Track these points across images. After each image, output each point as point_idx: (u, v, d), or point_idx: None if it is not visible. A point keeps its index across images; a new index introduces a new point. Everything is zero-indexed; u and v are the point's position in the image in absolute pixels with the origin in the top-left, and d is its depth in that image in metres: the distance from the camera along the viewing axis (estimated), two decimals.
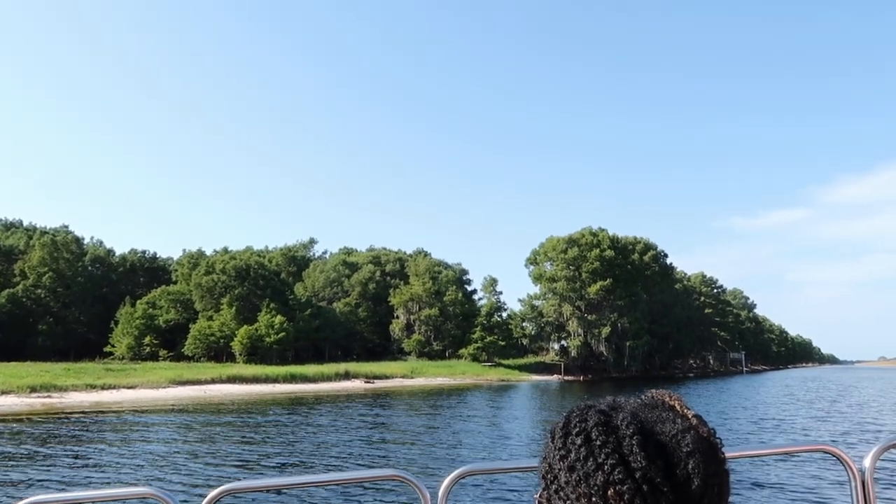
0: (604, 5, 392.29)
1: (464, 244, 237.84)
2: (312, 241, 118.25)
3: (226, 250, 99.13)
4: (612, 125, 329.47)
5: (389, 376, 67.93)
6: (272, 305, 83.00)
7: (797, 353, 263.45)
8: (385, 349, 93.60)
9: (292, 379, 58.34)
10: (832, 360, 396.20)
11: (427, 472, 14.55)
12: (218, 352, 79.61)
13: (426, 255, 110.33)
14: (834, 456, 2.06)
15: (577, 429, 0.88)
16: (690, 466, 0.84)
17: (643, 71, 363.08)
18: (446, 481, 2.09)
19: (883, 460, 2.02)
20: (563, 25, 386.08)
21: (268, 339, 78.27)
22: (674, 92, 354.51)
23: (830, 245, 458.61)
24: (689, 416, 0.92)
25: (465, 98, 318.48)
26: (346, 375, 63.94)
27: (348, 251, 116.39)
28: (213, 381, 52.56)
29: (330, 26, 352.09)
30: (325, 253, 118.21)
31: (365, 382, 62.64)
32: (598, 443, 0.85)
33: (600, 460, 0.83)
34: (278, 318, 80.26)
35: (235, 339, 78.09)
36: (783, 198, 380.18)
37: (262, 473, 15.06)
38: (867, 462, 2.02)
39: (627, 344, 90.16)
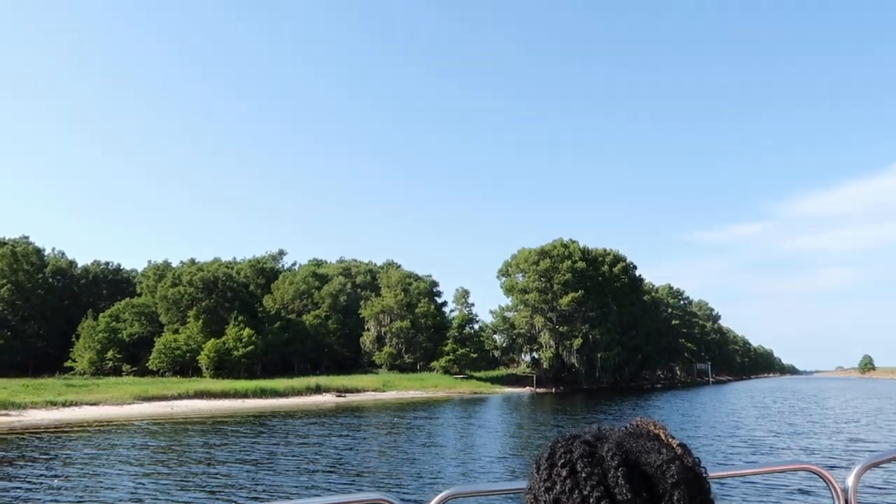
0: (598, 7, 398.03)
1: (435, 256, 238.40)
2: (282, 253, 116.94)
3: (193, 262, 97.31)
4: (581, 141, 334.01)
5: (361, 390, 67.12)
6: (240, 318, 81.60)
7: (759, 363, 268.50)
8: (356, 362, 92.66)
9: (262, 394, 57.23)
10: (792, 370, 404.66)
11: (408, 495, 14.10)
12: (184, 366, 77.82)
13: (397, 266, 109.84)
14: (818, 475, 2.05)
15: (563, 460, 0.87)
16: (675, 498, 0.83)
17: (615, 82, 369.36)
18: None
19: (865, 479, 1.86)
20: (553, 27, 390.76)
21: (236, 353, 76.84)
22: (636, 109, 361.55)
23: (790, 258, 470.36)
24: (675, 446, 0.91)
25: (439, 107, 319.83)
26: (317, 389, 63.00)
27: (318, 263, 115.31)
28: (180, 397, 51.22)
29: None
30: (294, 265, 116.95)
31: (336, 396, 61.76)
32: (583, 475, 0.84)
33: (585, 492, 0.82)
34: (246, 331, 78.91)
35: (202, 352, 76.47)
36: (744, 212, 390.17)
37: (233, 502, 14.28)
38: (850, 481, 2.02)
39: (599, 355, 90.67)
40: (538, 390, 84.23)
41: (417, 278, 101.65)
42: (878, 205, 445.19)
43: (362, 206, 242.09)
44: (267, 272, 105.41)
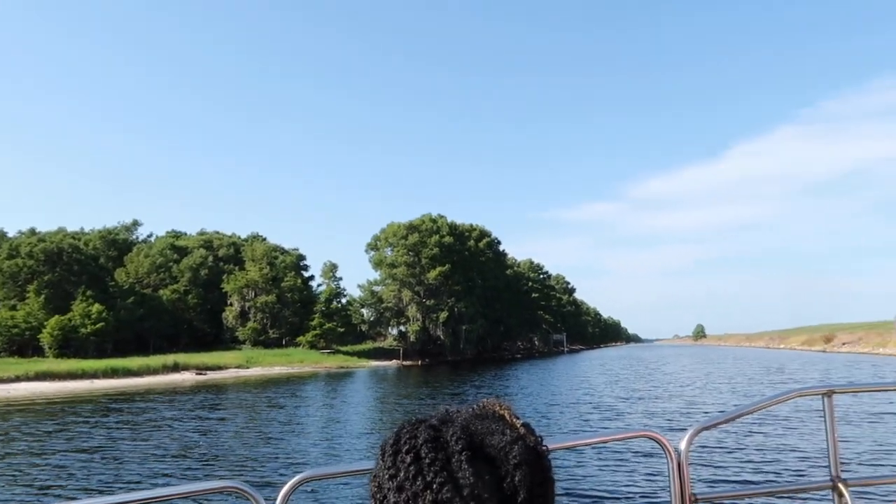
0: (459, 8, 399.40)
1: (302, 229, 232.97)
2: (136, 224, 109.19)
3: (33, 231, 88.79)
4: (447, 120, 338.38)
5: (223, 367, 64.92)
6: (89, 293, 75.74)
7: (609, 333, 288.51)
8: (217, 338, 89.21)
9: (113, 373, 53.87)
10: (636, 339, 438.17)
11: (265, 479, 13.90)
12: (22, 346, 71.23)
13: (262, 239, 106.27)
14: (655, 440, 2.25)
15: (407, 446, 0.87)
16: (517, 479, 0.85)
17: (480, 73, 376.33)
18: (284, 490, 1.98)
19: (697, 441, 2.35)
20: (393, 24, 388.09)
21: (83, 331, 71.43)
22: (504, 93, 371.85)
23: (636, 236, 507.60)
24: (518, 426, 0.93)
25: (303, 86, 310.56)
26: (175, 367, 60.17)
27: (177, 235, 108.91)
28: (18, 380, 47.16)
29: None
30: (150, 236, 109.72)
31: (196, 374, 59.38)
32: (427, 460, 0.84)
33: (429, 479, 0.83)
34: (96, 307, 73.47)
35: (44, 330, 70.29)
36: (598, 192, 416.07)
37: (72, 498, 12.94)
38: (682, 445, 2.23)
39: (463, 328, 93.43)
40: (405, 363, 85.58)
41: (284, 251, 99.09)
42: (713, 189, 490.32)
43: (227, 176, 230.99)
44: (119, 244, 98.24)
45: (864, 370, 47.14)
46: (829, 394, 2.45)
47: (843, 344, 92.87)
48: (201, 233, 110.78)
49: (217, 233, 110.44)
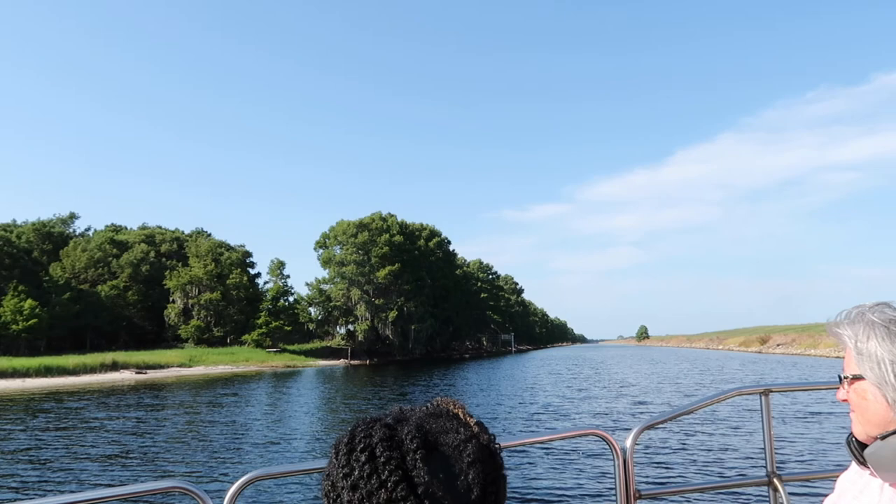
0: None
1: (249, 226, 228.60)
2: (73, 216, 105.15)
3: None
4: (400, 119, 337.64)
5: (164, 366, 63.20)
6: (21, 288, 72.63)
7: (556, 333, 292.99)
8: (159, 336, 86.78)
9: (47, 372, 51.84)
10: (582, 339, 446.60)
11: (209, 479, 13.55)
12: None
13: (207, 235, 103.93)
14: (602, 439, 2.30)
15: (362, 444, 0.87)
16: (471, 477, 0.85)
17: (430, 73, 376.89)
18: (232, 490, 1.93)
19: (641, 439, 2.42)
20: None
21: (14, 327, 68.50)
22: (453, 96, 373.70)
23: (584, 237, 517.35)
24: (472, 424, 0.93)
25: (254, 73, 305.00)
26: (114, 366, 58.27)
27: (116, 229, 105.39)
28: None
29: None
30: (88, 230, 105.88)
31: (136, 373, 57.65)
32: (381, 459, 0.84)
33: (384, 477, 0.83)
34: (28, 303, 70.51)
35: None
36: (548, 193, 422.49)
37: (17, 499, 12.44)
38: (628, 442, 2.30)
39: (413, 327, 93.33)
40: (352, 362, 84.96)
41: (229, 248, 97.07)
42: (658, 192, 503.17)
43: (169, 170, 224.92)
44: (55, 237, 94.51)
45: (799, 370, 49.12)
46: (766, 393, 2.54)
47: (778, 345, 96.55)
48: (143, 227, 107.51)
49: (159, 228, 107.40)
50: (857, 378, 1.35)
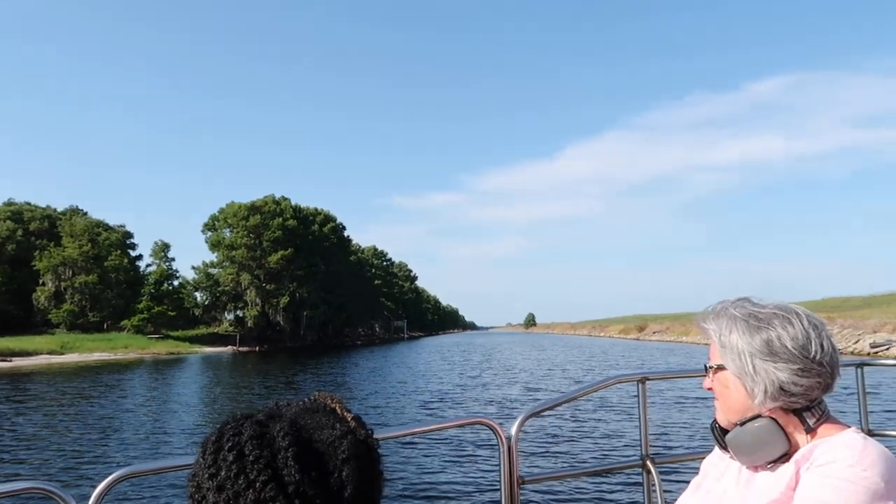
0: None
1: (130, 205, 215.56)
2: None
3: None
4: (294, 103, 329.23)
5: (32, 353, 58.64)
6: None
7: (447, 320, 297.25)
8: (26, 321, 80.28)
9: None
10: (473, 326, 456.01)
11: (77, 478, 12.57)
12: None
13: (83, 214, 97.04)
14: (487, 427, 2.35)
15: (231, 443, 0.83)
16: (345, 474, 0.83)
17: (328, 58, 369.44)
18: (98, 489, 1.82)
19: (526, 427, 2.52)
20: None
21: None
22: (350, 81, 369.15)
23: (476, 226, 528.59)
24: (349, 420, 0.91)
25: (139, 44, 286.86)
26: None
27: None
28: None
29: None
30: None
31: None
32: (250, 458, 0.81)
33: (252, 477, 0.79)
34: None
35: None
36: (442, 182, 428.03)
37: None
38: (513, 430, 2.36)
39: (305, 314, 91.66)
40: (241, 349, 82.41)
41: (108, 228, 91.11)
42: (546, 185, 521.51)
43: (42, 142, 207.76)
44: None
45: (676, 357, 52.38)
46: (642, 380, 2.67)
47: (654, 333, 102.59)
48: (9, 203, 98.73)
49: (28, 204, 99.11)
50: (720, 368, 1.46)
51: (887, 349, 44.70)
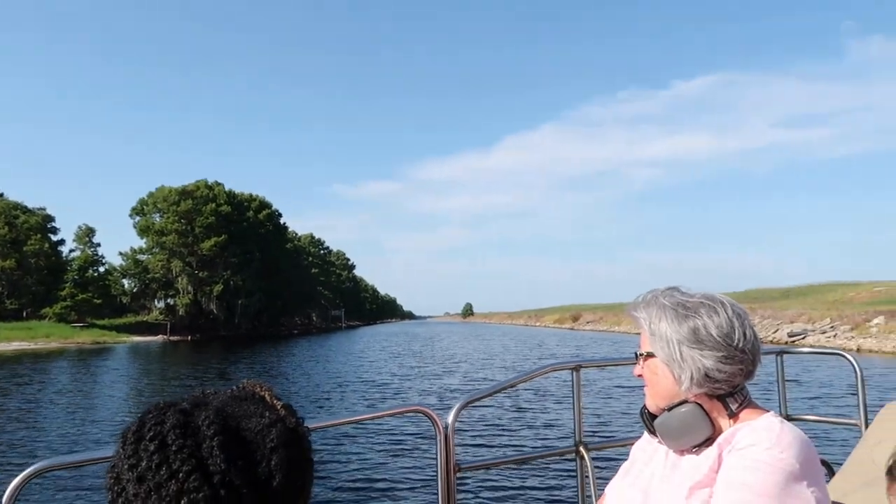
0: None
1: (52, 186, 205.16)
2: None
3: None
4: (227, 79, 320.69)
5: None
6: None
7: (385, 309, 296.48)
8: None
9: None
10: (411, 315, 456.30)
11: None
12: None
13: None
14: (425, 415, 2.40)
15: (152, 433, 0.79)
16: (273, 463, 0.81)
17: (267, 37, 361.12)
18: (13, 484, 1.76)
19: (462, 415, 2.58)
20: None
21: None
22: (288, 64, 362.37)
23: (413, 216, 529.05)
24: (278, 408, 0.88)
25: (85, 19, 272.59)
26: None
27: None
28: None
29: None
30: None
31: None
32: (173, 448, 0.77)
33: (175, 467, 0.76)
34: None
35: None
36: (380, 171, 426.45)
37: None
38: (450, 418, 2.41)
39: (239, 302, 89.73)
40: (172, 338, 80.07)
41: (27, 210, 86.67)
42: (485, 176, 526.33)
43: None
44: None
45: (610, 346, 53.79)
46: (577, 368, 2.74)
47: (588, 322, 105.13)
48: None
49: None
50: (650, 355, 1.50)
51: (803, 338, 47.23)
